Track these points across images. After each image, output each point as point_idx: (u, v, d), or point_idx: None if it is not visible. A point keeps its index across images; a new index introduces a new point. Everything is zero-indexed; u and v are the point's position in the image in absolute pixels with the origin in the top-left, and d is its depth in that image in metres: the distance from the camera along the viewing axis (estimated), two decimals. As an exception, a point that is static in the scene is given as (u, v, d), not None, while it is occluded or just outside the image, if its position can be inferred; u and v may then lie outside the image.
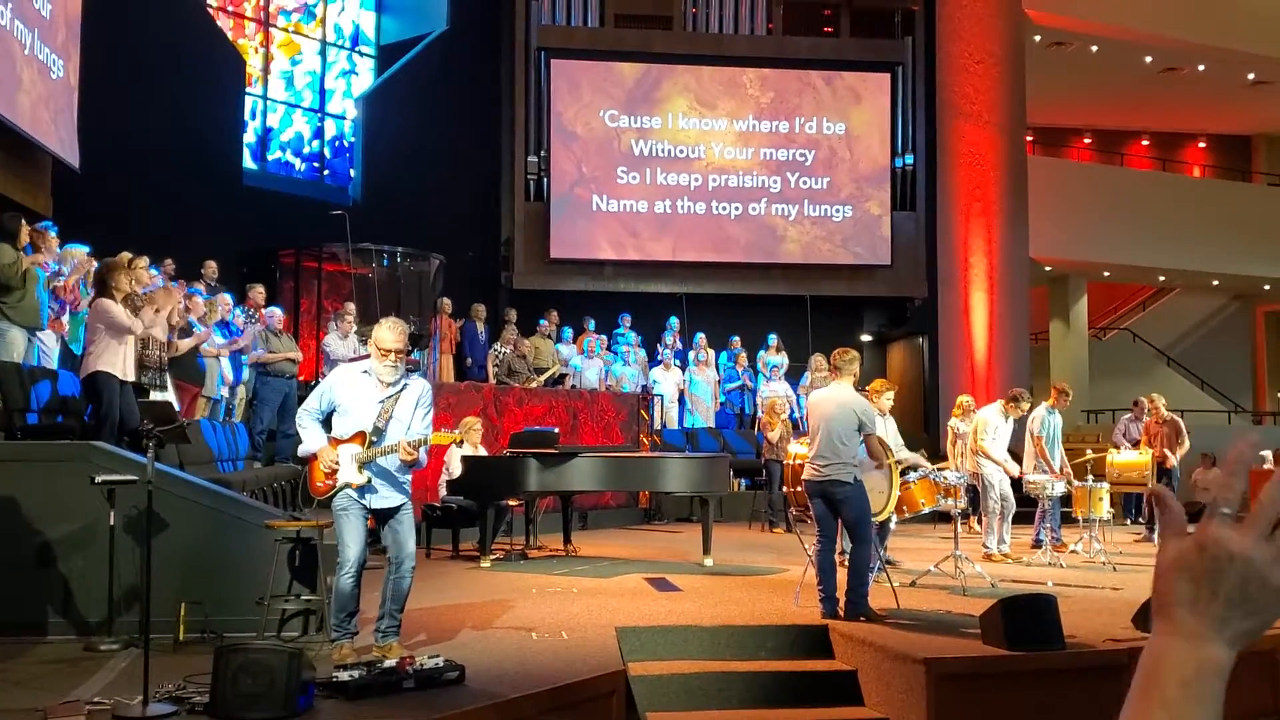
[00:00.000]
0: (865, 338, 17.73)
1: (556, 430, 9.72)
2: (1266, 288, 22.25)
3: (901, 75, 17.09)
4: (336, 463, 5.42)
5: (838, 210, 16.84)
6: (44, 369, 8.07)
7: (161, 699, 4.41)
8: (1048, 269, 19.77)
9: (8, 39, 9.55)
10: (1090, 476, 9.80)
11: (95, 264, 9.10)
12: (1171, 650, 0.87)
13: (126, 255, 8.75)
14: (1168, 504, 0.94)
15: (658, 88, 16.68)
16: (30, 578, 5.90)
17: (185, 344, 9.60)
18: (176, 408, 8.57)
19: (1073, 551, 9.75)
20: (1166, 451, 11.31)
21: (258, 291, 11.66)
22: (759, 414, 14.54)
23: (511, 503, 9.83)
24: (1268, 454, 13.58)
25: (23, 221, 7.93)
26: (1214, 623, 0.86)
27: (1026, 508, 10.50)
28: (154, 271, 10.00)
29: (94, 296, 7.63)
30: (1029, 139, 18.64)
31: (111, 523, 5.56)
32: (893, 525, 8.59)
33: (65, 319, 9.01)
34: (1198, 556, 0.87)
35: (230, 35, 14.61)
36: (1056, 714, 5.33)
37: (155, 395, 8.53)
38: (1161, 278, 22.31)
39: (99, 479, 5.58)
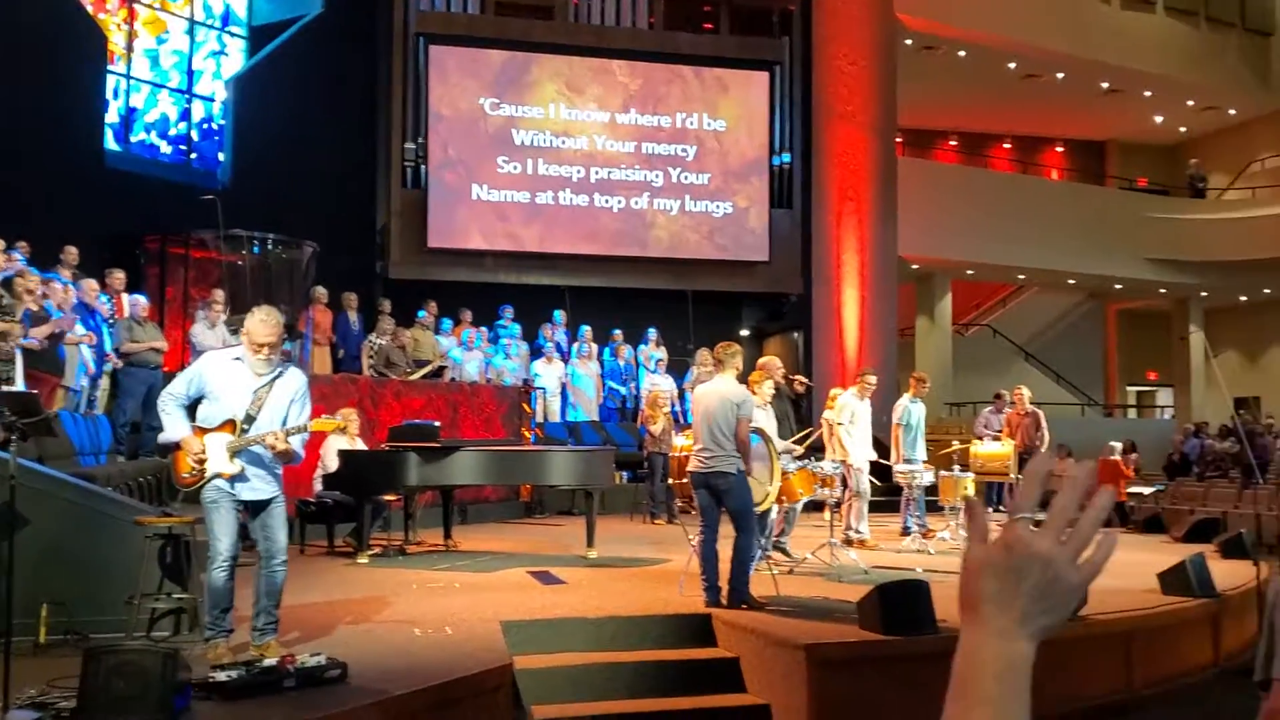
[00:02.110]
0: (744, 332, 17.99)
1: (437, 424, 9.60)
2: (1118, 287, 23.41)
3: (779, 74, 17.36)
4: (205, 452, 5.24)
5: (718, 206, 17.03)
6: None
7: (24, 705, 4.21)
8: (915, 267, 20.38)
9: None
10: (956, 466, 10.18)
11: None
12: (984, 647, 0.93)
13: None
14: (975, 513, 1.02)
15: (527, 72, 16.57)
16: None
17: (42, 332, 9.14)
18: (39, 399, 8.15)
19: (941, 538, 10.10)
20: (1038, 444, 11.80)
21: (116, 277, 11.18)
22: (641, 407, 14.64)
23: (390, 497, 9.67)
24: (1117, 445, 14.30)
25: None
26: (1018, 618, 0.93)
27: (893, 496, 10.84)
28: (14, 254, 9.50)
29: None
30: (899, 140, 19.18)
31: (-33, 520, 5.26)
32: (796, 516, 8.78)
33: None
34: (1004, 556, 0.95)
35: (90, 9, 13.93)
36: (931, 696, 5.52)
37: (5, 388, 8.10)
38: (1021, 276, 23.26)
39: (-47, 474, 5.27)
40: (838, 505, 9.46)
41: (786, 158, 17.30)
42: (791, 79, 17.41)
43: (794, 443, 8.62)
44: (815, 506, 10.00)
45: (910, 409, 10.54)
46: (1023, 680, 0.92)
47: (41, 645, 5.48)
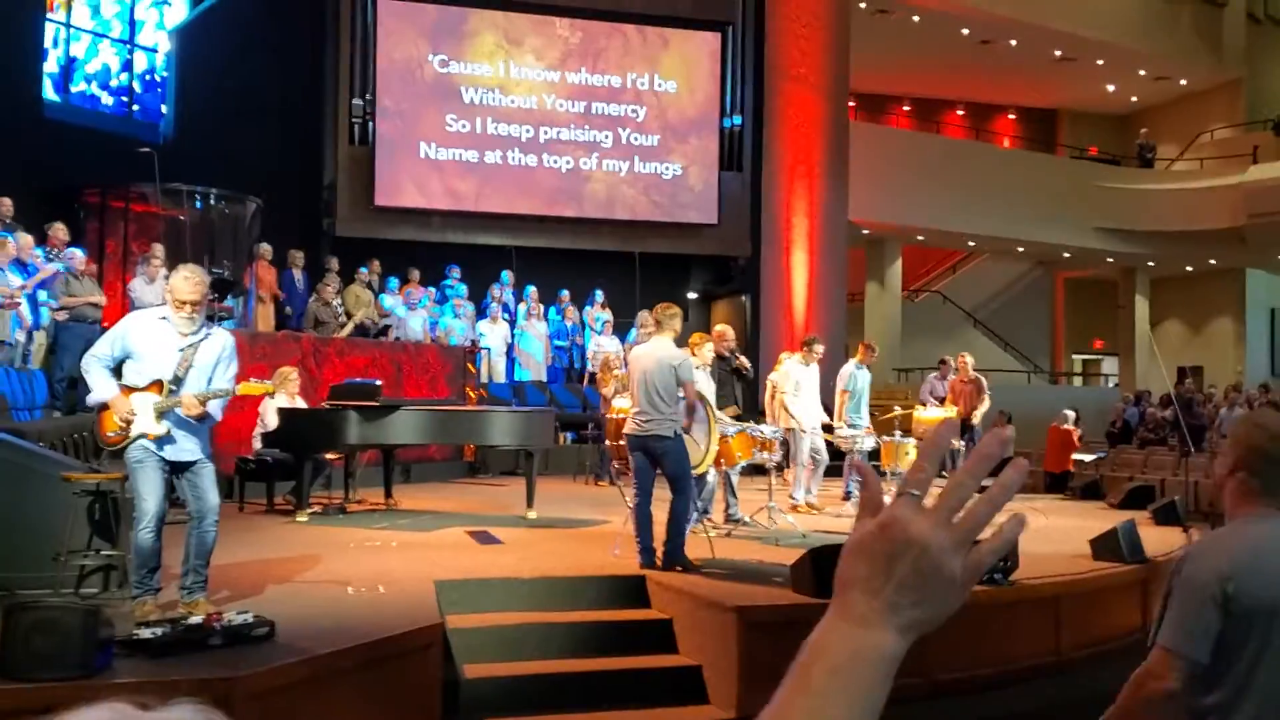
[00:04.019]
0: (691, 295, 18.01)
1: (379, 382, 9.55)
2: (1067, 255, 23.69)
3: (731, 35, 17.28)
4: (133, 412, 5.19)
5: (666, 168, 16.97)
6: None
7: (-58, 661, 4.16)
8: (865, 232, 20.49)
9: None
10: (898, 431, 10.29)
11: None
12: (832, 635, 0.82)
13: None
14: (869, 481, 0.90)
15: (464, 22, 16.36)
16: None
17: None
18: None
19: (881, 503, 10.21)
20: (976, 408, 11.94)
21: (58, 229, 10.97)
22: (588, 368, 14.64)
23: (330, 456, 9.62)
24: (1070, 414, 14.49)
25: None
26: (884, 607, 0.81)
27: (836, 460, 10.95)
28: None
29: None
30: (852, 105, 19.19)
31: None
32: (735, 479, 8.82)
33: None
34: (877, 537, 0.83)
35: (27, -46, 13.53)
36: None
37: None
38: (971, 243, 23.47)
39: None
40: (780, 469, 9.54)
41: (737, 120, 17.25)
42: (743, 40, 17.32)
43: (731, 418, 8.63)
44: (757, 470, 10.08)
45: (856, 375, 10.63)
46: (867, 675, 0.80)
47: (-35, 602, 5.42)
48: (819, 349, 10.08)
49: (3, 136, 11.87)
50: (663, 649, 6.10)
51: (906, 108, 24.83)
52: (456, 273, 15.45)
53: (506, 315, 15.28)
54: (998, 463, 0.88)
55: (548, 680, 5.69)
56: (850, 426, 10.38)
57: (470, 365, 13.66)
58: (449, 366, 13.10)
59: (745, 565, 7.02)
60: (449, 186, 16.17)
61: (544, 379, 15.24)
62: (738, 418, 8.82)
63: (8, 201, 10.82)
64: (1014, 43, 20.73)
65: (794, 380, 9.87)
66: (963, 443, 11.38)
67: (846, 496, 10.54)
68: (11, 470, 5.87)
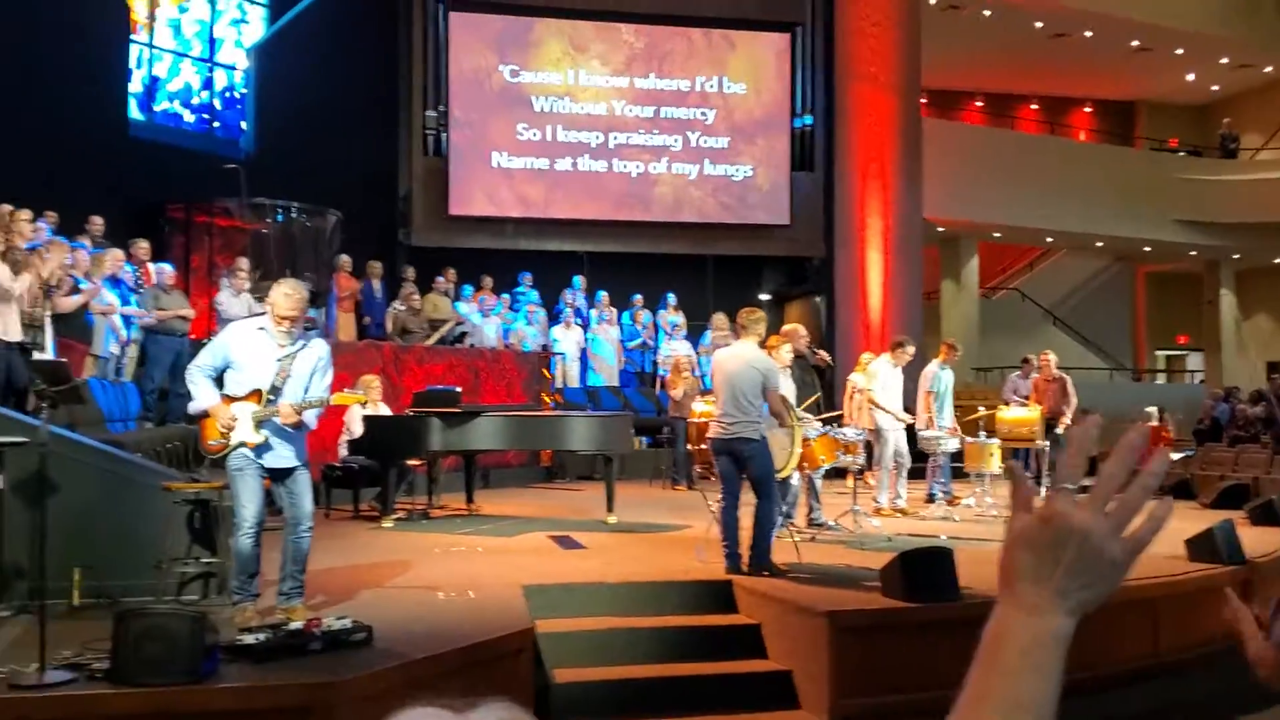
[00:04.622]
0: (764, 297, 17.93)
1: (459, 389, 9.66)
2: (1147, 249, 23.14)
3: (801, 36, 17.19)
4: (233, 420, 5.31)
5: (737, 170, 16.94)
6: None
7: (59, 665, 4.29)
8: (940, 229, 20.22)
9: None
10: (982, 432, 10.13)
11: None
12: (1013, 621, 0.90)
13: (7, 208, 8.36)
14: (1019, 480, 0.98)
15: (530, 30, 16.48)
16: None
17: (73, 302, 9.22)
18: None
19: (965, 505, 10.07)
20: (1065, 410, 11.71)
21: (140, 247, 11.24)
22: (660, 373, 14.64)
23: (414, 462, 9.75)
24: (1152, 409, 14.16)
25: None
26: (1054, 594, 0.90)
27: (919, 463, 10.81)
28: (40, 225, 9.57)
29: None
30: (923, 101, 18.96)
31: (0, 487, 5.35)
32: (819, 484, 8.76)
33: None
34: (1041, 530, 0.91)
35: (112, -22, 13.93)
36: (954, 664, 5.52)
37: (37, 355, 8.18)
38: (1049, 239, 23.04)
39: (-16, 442, 5.35)
40: (861, 472, 9.45)
41: (808, 120, 17.16)
42: (813, 40, 17.22)
43: (820, 421, 8.57)
44: (839, 474, 9.99)
45: (940, 375, 10.49)
46: (1050, 656, 0.89)
47: (75, 608, 5.57)
48: (909, 350, 9.94)
49: (91, 156, 12.23)
50: (751, 654, 6.07)
51: (979, 103, 24.45)
52: (529, 279, 15.57)
53: (579, 320, 15.35)
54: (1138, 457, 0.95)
55: (638, 685, 5.70)
56: (935, 428, 10.23)
57: (545, 371, 13.75)
58: (524, 373, 13.20)
59: (832, 569, 6.97)
60: (519, 194, 16.30)
61: (616, 383, 15.28)
62: (817, 407, 8.76)
63: (99, 220, 11.14)
64: (1089, 34, 20.29)
65: (880, 381, 9.76)
66: (1045, 443, 11.17)
67: (930, 499, 10.40)
68: (114, 480, 6.03)
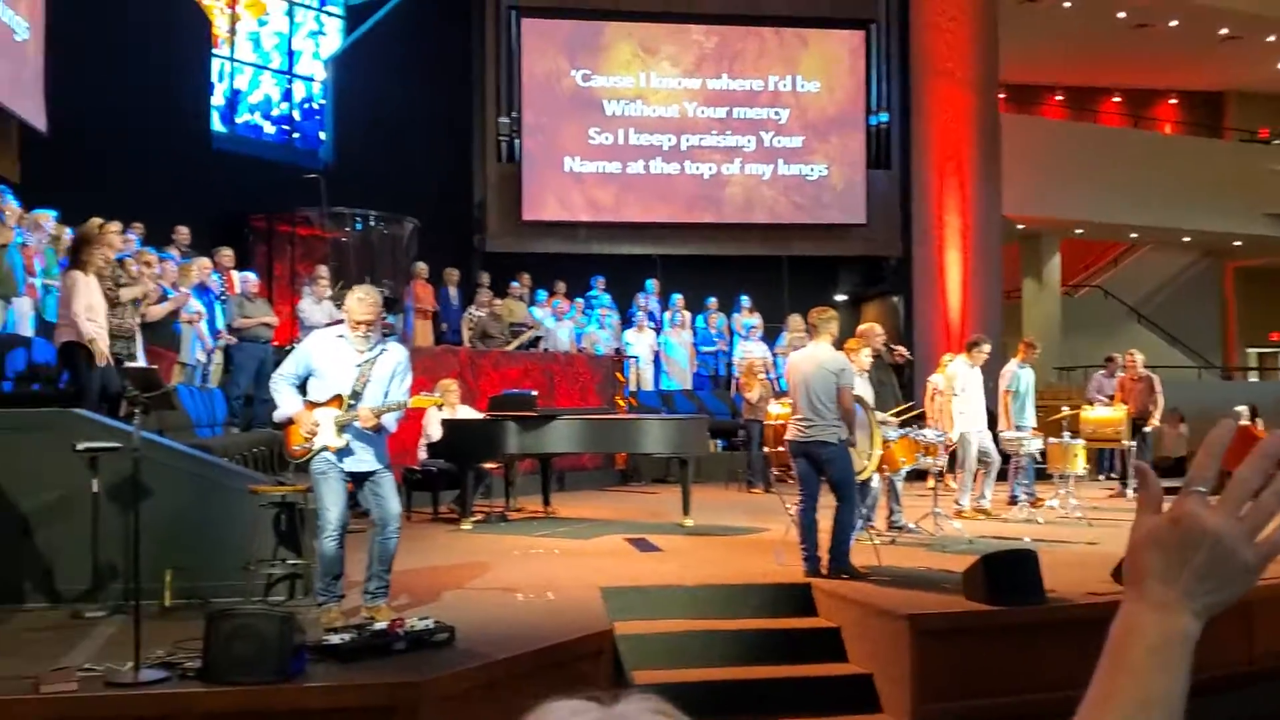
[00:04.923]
0: (840, 297, 17.77)
1: (535, 393, 9.73)
2: (1237, 244, 22.46)
3: (875, 32, 17.03)
4: (316, 425, 5.42)
5: (811, 169, 16.82)
6: (18, 336, 7.98)
7: (153, 665, 4.41)
8: (1020, 227, 19.86)
9: (-31, 0, 9.34)
10: (1066, 432, 9.91)
11: (68, 230, 8.99)
12: (1141, 619, 0.90)
13: (97, 221, 8.62)
14: (1148, 481, 0.97)
15: (600, 34, 16.54)
16: (8, 546, 5.85)
17: (160, 310, 9.48)
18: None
19: (1049, 507, 9.86)
20: (1152, 409, 11.42)
21: (224, 255, 11.52)
22: (734, 375, 14.59)
23: (490, 465, 9.84)
24: (1243, 409, 13.72)
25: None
26: (1183, 594, 0.90)
27: (1001, 464, 10.60)
28: (130, 236, 9.87)
29: (68, 266, 7.51)
30: (1002, 96, 18.63)
31: (95, 490, 5.52)
32: (900, 487, 8.65)
33: (38, 285, 8.88)
34: (1171, 531, 0.91)
35: (195, -5, 14.32)
36: (1038, 668, 5.42)
37: (127, 364, 8.43)
38: (1133, 235, 22.47)
39: (81, 446, 5.53)
40: (941, 474, 9.30)
41: (884, 117, 16.99)
42: (888, 37, 17.05)
43: (895, 415, 8.46)
44: (920, 476, 9.85)
45: (1019, 375, 10.29)
46: (1178, 656, 0.89)
47: (167, 608, 5.73)
48: (985, 349, 9.76)
49: (177, 168, 12.57)
50: (831, 657, 6.02)
51: (1059, 97, 23.95)
52: (601, 283, 15.63)
53: (652, 324, 15.36)
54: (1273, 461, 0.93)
55: (716, 687, 5.67)
56: (1015, 429, 10.04)
57: (618, 374, 13.78)
58: (598, 376, 13.25)
59: (913, 572, 6.87)
60: (590, 197, 16.38)
61: (690, 386, 15.26)
62: (900, 407, 8.65)
63: (184, 230, 11.45)
64: (1174, 23, 19.75)
65: (960, 382, 9.61)
66: (1132, 443, 10.90)
67: (1013, 501, 10.20)
68: (203, 484, 6.19)
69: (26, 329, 8.32)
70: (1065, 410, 10.66)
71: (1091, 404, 11.54)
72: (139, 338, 9.01)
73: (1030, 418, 10.28)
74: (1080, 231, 21.59)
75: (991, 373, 10.81)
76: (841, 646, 6.04)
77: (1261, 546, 0.90)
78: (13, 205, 8.71)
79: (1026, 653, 5.40)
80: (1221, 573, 0.90)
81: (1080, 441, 9.83)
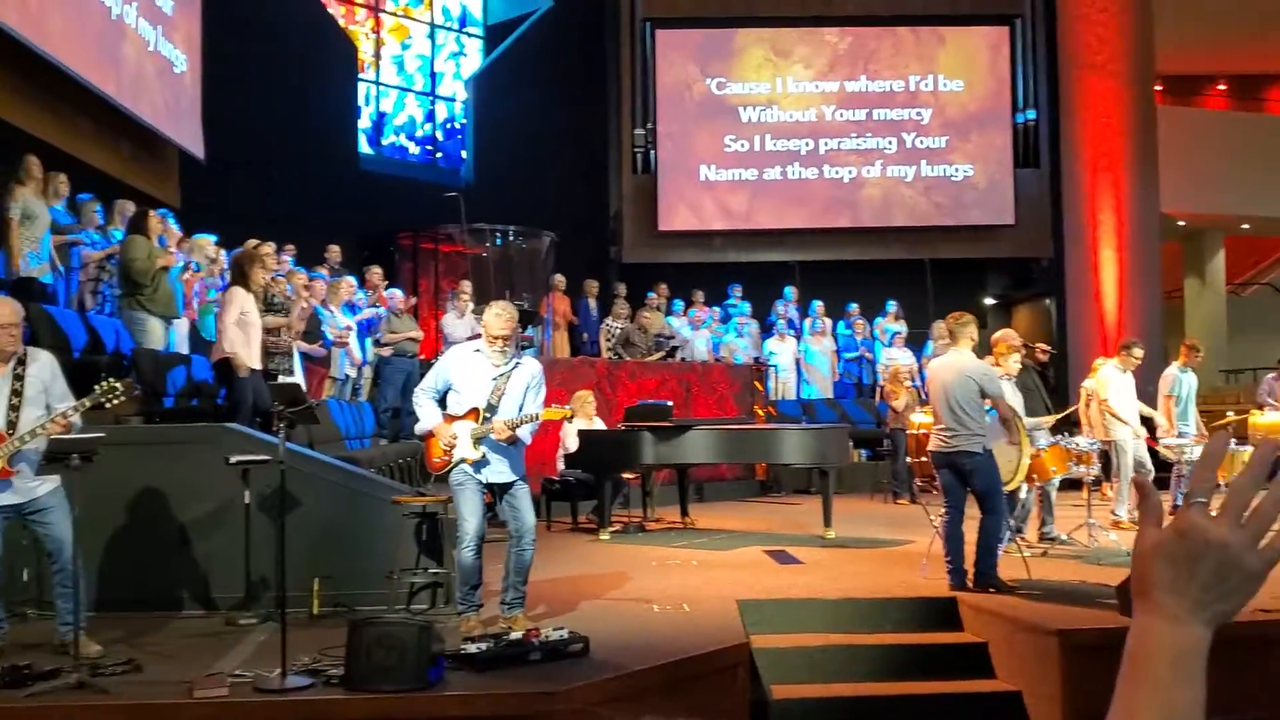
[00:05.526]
0: (989, 301, 17.24)
1: (670, 403, 9.72)
2: None
3: (1020, 27, 16.50)
4: (454, 438, 5.51)
5: (957, 170, 16.39)
6: (178, 355, 8.40)
7: (299, 671, 4.55)
8: (1181, 224, 18.90)
9: (134, 37, 9.91)
10: (1232, 439, 9.33)
11: (224, 254, 9.42)
12: (1156, 631, 0.92)
13: (253, 242, 9.03)
14: (1148, 494, 1.00)
15: (731, 40, 16.45)
16: (169, 555, 6.14)
17: (296, 322, 9.78)
18: (304, 389, 8.81)
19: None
20: None
21: (374, 273, 11.90)
22: (879, 383, 14.27)
23: (628, 476, 9.87)
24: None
25: (153, 214, 8.22)
26: (1192, 605, 0.91)
27: (1163, 472, 10.07)
28: (283, 257, 10.30)
29: (229, 285, 7.87)
30: (1158, 89, 17.78)
31: (247, 501, 5.74)
32: (1053, 496, 8.31)
33: (195, 306, 9.34)
34: (1177, 542, 0.93)
35: (342, 22, 14.89)
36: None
37: (283, 379, 8.78)
38: (1306, 229, 21.13)
39: (233, 459, 5.76)
40: (1096, 484, 8.88)
41: (1031, 114, 16.43)
42: (1034, 32, 16.49)
43: (1049, 419, 8.11)
44: (1074, 485, 9.43)
45: (1181, 379, 9.76)
46: (1195, 666, 0.91)
47: (315, 616, 5.92)
48: (1138, 353, 9.29)
49: (328, 190, 13.09)
50: (978, 673, 5.80)
51: (1221, 87, 22.71)
52: (738, 291, 15.53)
53: (792, 331, 15.18)
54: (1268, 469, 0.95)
55: (859, 703, 5.54)
56: (1177, 435, 9.52)
57: (758, 383, 13.65)
58: (736, 385, 13.16)
59: (1065, 586, 6.57)
60: (723, 205, 16.33)
61: (832, 395, 15.01)
62: (1056, 415, 8.29)
63: (336, 249, 11.89)
64: (1349, 2, 18.50)
65: (1112, 388, 9.16)
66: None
67: (1174, 510, 9.64)
68: (349, 495, 6.37)
69: (185, 348, 8.75)
70: (1231, 415, 10.06)
71: (1261, 408, 10.85)
72: (297, 355, 9.38)
73: (1192, 424, 9.73)
74: (1247, 227, 20.40)
75: (1149, 377, 10.29)
76: (989, 662, 5.82)
77: (1265, 553, 0.92)
78: (175, 230, 9.18)
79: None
80: (1228, 581, 0.91)
81: (1247, 448, 9.25)
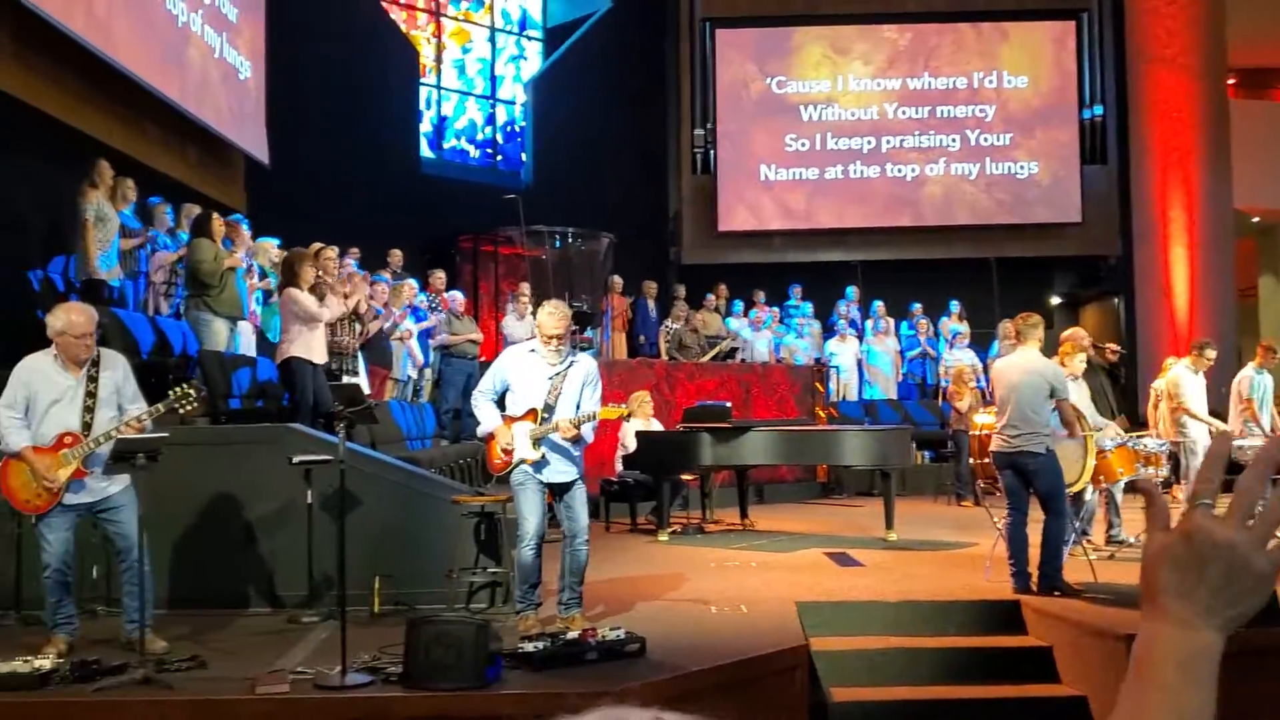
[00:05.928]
0: (1055, 300, 16.94)
1: (729, 404, 9.68)
2: None
3: (1087, 22, 16.20)
4: (513, 440, 5.53)
5: (1022, 167, 16.14)
6: (243, 356, 8.55)
7: (359, 669, 4.59)
8: (1255, 220, 18.41)
9: (199, 44, 10.11)
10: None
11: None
12: (1164, 636, 0.90)
13: (316, 245, 9.15)
14: (1154, 498, 0.98)
15: (789, 38, 16.34)
16: (234, 554, 6.24)
17: (375, 324, 9.93)
18: (366, 390, 8.91)
19: (1290, 522, 9.03)
20: None
21: (438, 277, 12.01)
22: (942, 384, 14.07)
23: (686, 477, 9.84)
24: None
25: (216, 216, 8.38)
26: (1202, 610, 0.89)
27: (1231, 474, 9.80)
28: (346, 261, 10.43)
29: (281, 286, 8.00)
30: (1231, 82, 17.32)
31: (309, 501, 5.82)
32: (1120, 498, 8.13)
33: (259, 308, 9.50)
34: (1184, 546, 0.90)
35: (404, 27, 15.06)
36: (1270, 691, 4.95)
37: (347, 379, 8.90)
38: (1387, 224, 20.44)
39: (296, 459, 5.84)
40: (1166, 486, 8.66)
41: (1098, 110, 16.11)
42: (1101, 26, 16.17)
43: (1113, 425, 7.92)
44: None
45: (1257, 380, 9.52)
46: (1205, 670, 0.89)
47: (375, 615, 5.98)
48: (1210, 354, 9.06)
49: (390, 194, 13.24)
50: (1042, 678, 5.69)
51: (1299, 78, 22.07)
52: (798, 291, 15.42)
53: (854, 332, 15.02)
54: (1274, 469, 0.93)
55: (920, 707, 5.47)
56: (1250, 437, 9.26)
57: (819, 384, 13.54)
58: (797, 387, 13.06)
59: (1132, 590, 6.40)
60: (782, 205, 16.23)
61: (895, 395, 14.83)
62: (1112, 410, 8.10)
63: (398, 253, 12.02)
64: None
65: (1184, 388, 8.94)
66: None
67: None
68: (410, 495, 6.43)
69: (251, 349, 8.90)
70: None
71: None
72: (360, 357, 9.50)
73: (1268, 425, 9.48)
74: (1325, 222, 19.80)
75: (1221, 378, 10.03)
76: (1053, 667, 5.71)
77: (1274, 553, 0.90)
78: (246, 233, 9.34)
79: (1254, 676, 4.92)
80: (1238, 584, 0.89)
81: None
